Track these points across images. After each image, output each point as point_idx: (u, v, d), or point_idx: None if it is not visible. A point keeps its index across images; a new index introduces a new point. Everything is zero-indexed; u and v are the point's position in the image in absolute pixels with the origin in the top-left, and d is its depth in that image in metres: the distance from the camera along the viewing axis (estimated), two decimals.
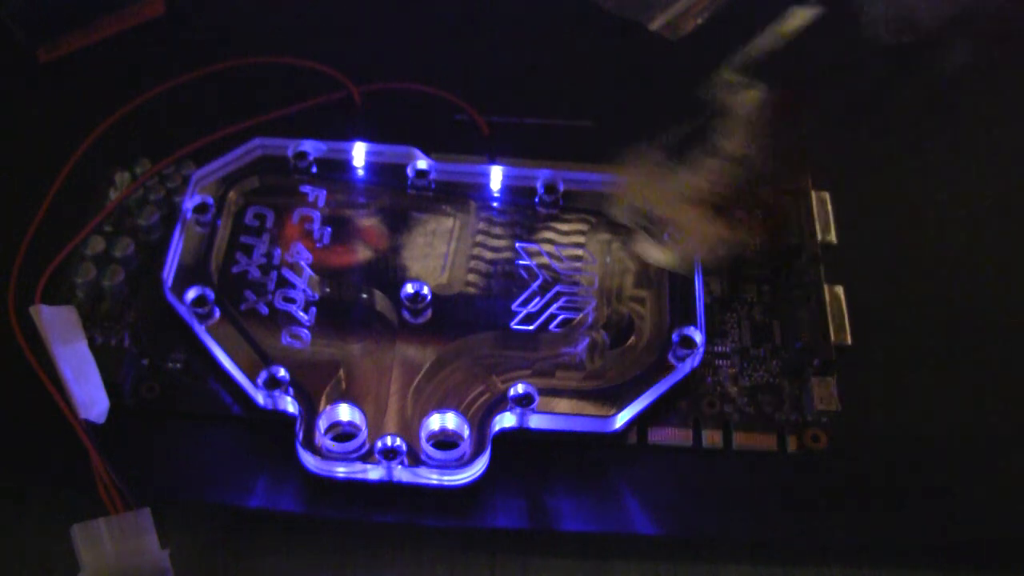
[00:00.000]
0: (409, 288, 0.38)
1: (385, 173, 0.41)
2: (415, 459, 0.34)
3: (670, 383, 0.37)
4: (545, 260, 0.39)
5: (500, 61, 0.48)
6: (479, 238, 0.40)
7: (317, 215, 0.40)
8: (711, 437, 0.36)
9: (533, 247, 0.40)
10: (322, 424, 0.35)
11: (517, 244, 0.40)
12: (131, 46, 0.47)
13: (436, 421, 0.35)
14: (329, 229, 0.40)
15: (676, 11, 0.50)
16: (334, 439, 0.35)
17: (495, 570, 0.35)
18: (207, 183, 0.40)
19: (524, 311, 0.38)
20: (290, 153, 0.41)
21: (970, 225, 0.42)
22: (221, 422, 0.37)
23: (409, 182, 0.41)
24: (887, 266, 0.41)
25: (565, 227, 0.40)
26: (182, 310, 0.37)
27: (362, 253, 0.40)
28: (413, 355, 0.37)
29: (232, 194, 0.40)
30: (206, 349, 0.37)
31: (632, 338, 0.38)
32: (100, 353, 0.37)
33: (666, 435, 0.36)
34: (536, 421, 0.36)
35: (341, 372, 0.37)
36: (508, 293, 0.39)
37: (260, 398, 0.36)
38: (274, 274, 0.39)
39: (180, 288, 0.38)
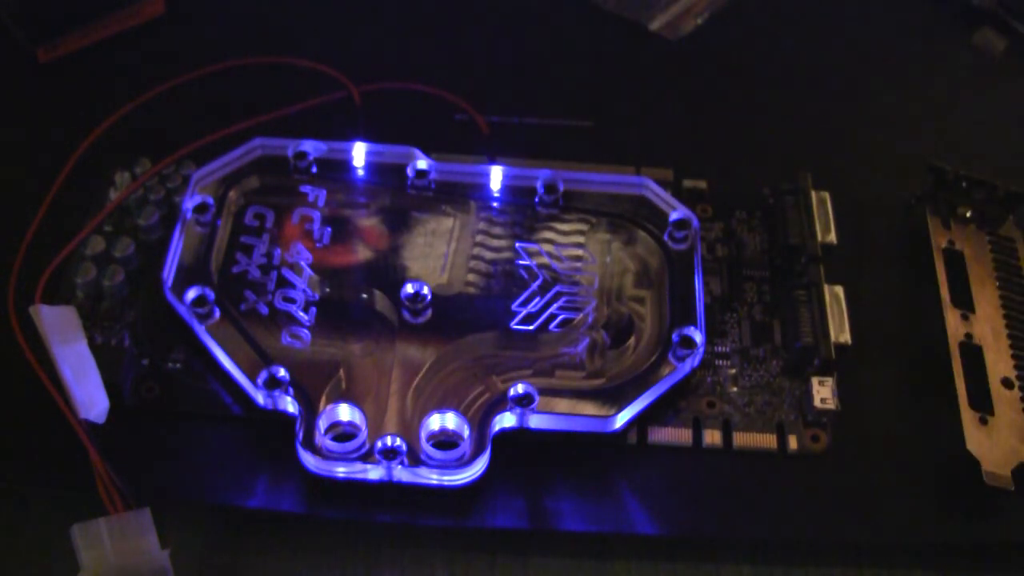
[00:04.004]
0: (409, 288, 0.38)
1: (385, 173, 0.41)
2: (415, 459, 0.34)
3: (670, 383, 0.36)
4: (545, 260, 0.39)
5: (500, 61, 0.48)
6: (479, 238, 0.40)
7: (317, 215, 0.40)
8: (711, 437, 0.36)
9: (533, 247, 0.40)
10: (322, 424, 0.35)
11: (517, 244, 0.40)
12: (131, 46, 0.47)
13: (436, 421, 0.35)
14: (329, 229, 0.40)
15: (676, 11, 0.50)
16: (334, 439, 0.35)
17: (495, 570, 0.35)
18: (207, 183, 0.40)
19: (524, 311, 0.38)
20: (290, 153, 0.41)
21: None
22: (221, 422, 0.37)
23: (409, 182, 0.41)
24: (887, 266, 0.41)
25: (565, 227, 0.40)
26: (182, 310, 0.37)
27: (362, 253, 0.40)
28: (413, 355, 0.37)
29: (232, 194, 0.40)
30: (206, 349, 0.37)
31: (632, 338, 0.38)
32: (100, 353, 0.37)
33: (666, 435, 0.36)
34: (536, 421, 0.36)
35: (341, 372, 0.37)
36: (508, 293, 0.39)
37: (260, 398, 0.36)
38: (274, 274, 0.39)
39: (180, 288, 0.38)
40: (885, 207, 0.43)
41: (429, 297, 0.38)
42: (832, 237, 0.40)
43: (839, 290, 0.39)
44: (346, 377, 0.36)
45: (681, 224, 0.40)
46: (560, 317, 0.38)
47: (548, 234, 0.40)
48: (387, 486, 0.35)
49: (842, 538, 0.35)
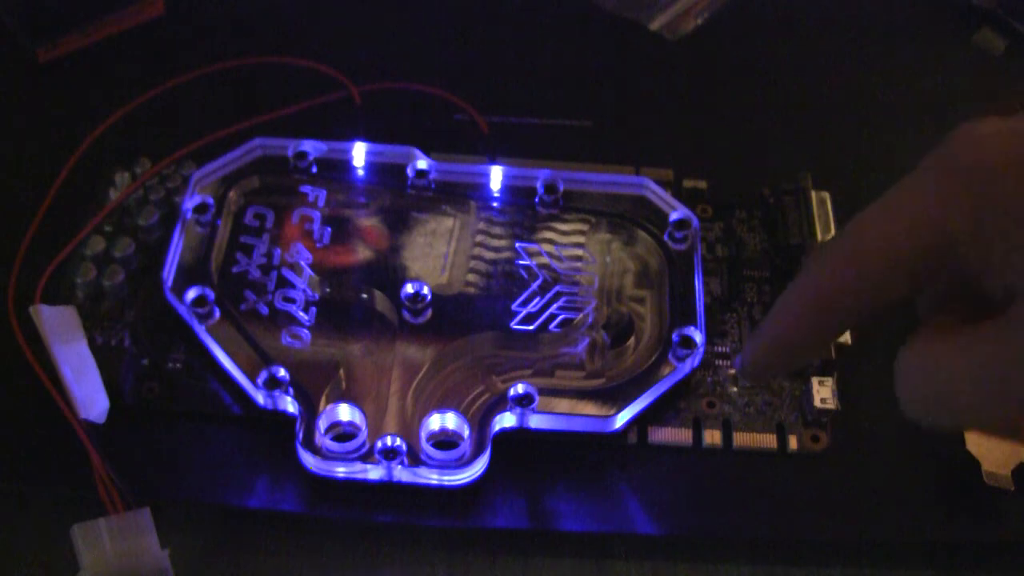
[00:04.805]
0: (409, 288, 0.38)
1: (385, 173, 0.41)
2: (415, 459, 0.34)
3: (670, 383, 0.36)
4: (545, 260, 0.39)
5: (500, 61, 0.48)
6: (479, 238, 0.40)
7: (317, 215, 0.40)
8: (711, 437, 0.36)
9: (533, 247, 0.40)
10: (322, 424, 0.35)
11: (517, 244, 0.40)
12: (131, 46, 0.47)
13: (436, 421, 0.35)
14: (329, 229, 0.40)
15: (676, 11, 0.50)
16: (334, 439, 0.35)
17: (495, 570, 0.35)
18: (207, 183, 0.40)
19: (524, 311, 0.38)
20: (290, 153, 0.41)
21: None
22: (221, 422, 0.37)
23: (409, 182, 0.41)
24: None
25: (565, 227, 0.40)
26: (182, 310, 0.37)
27: (362, 253, 0.40)
28: (413, 355, 0.37)
29: (232, 194, 0.40)
30: (206, 349, 0.37)
31: (632, 338, 0.38)
32: (100, 353, 0.37)
33: (666, 435, 0.36)
34: (536, 421, 0.36)
35: (341, 372, 0.37)
36: (508, 293, 0.39)
37: (260, 398, 0.36)
38: (274, 274, 0.39)
39: (180, 288, 0.38)
40: None
41: (429, 297, 0.38)
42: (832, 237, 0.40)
43: None
44: (346, 377, 0.36)
45: (681, 224, 0.40)
46: (560, 317, 0.38)
47: (548, 234, 0.40)
48: (387, 486, 0.35)
49: (842, 538, 0.35)
